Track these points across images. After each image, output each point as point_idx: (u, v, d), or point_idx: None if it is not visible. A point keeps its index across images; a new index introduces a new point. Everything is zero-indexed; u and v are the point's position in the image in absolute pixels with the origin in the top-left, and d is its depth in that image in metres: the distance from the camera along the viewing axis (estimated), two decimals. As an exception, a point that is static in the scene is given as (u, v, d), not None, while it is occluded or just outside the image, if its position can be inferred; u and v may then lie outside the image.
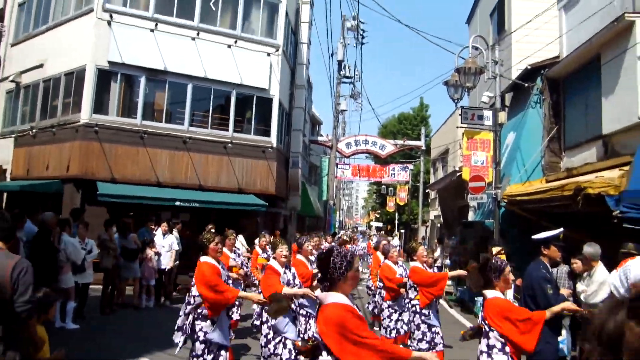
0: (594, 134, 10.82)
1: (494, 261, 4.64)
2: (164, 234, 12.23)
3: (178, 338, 5.61)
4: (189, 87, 16.51)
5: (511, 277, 4.58)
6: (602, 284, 6.71)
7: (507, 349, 4.35)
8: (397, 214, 44.08)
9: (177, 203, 15.05)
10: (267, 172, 17.51)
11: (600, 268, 6.87)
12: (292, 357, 5.88)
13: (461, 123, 13.72)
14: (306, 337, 7.77)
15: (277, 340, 5.89)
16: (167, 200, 14.99)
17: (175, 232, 12.85)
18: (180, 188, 15.90)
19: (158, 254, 11.85)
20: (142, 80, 15.96)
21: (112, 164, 15.20)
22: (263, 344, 5.96)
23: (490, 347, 4.43)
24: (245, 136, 17.40)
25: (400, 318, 7.95)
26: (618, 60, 9.85)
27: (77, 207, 13.23)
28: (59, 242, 8.75)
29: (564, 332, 7.28)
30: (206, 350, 5.34)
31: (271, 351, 5.84)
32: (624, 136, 9.65)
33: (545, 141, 12.65)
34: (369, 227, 63.25)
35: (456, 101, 13.24)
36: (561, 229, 5.65)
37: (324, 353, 3.27)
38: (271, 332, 5.90)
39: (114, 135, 15.35)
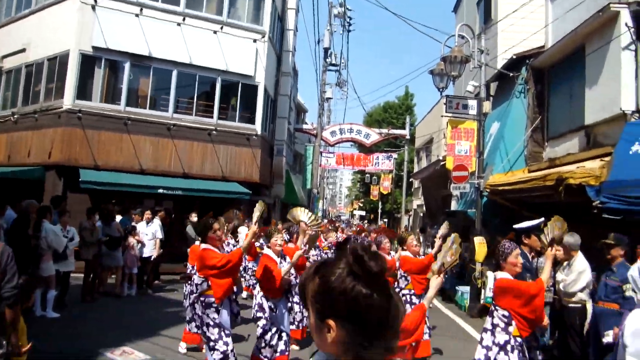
0: (577, 124, 10.90)
1: (502, 245, 4.90)
2: (147, 222, 12.11)
3: (193, 329, 5.91)
4: (174, 74, 16.36)
5: (519, 260, 4.77)
6: (580, 273, 6.78)
7: (511, 328, 4.62)
8: (380, 203, 44.22)
9: (161, 191, 14.97)
10: (251, 159, 17.45)
11: (579, 258, 6.95)
12: (287, 348, 5.96)
13: (446, 112, 13.76)
14: (301, 327, 7.74)
15: (273, 331, 5.89)
16: (150, 187, 14.90)
17: (157, 220, 12.74)
18: (163, 175, 15.79)
19: (141, 242, 11.75)
20: (127, 66, 15.78)
21: (95, 151, 15.04)
22: (259, 335, 5.94)
23: (494, 326, 4.73)
24: (230, 123, 17.31)
25: None
26: (602, 51, 9.91)
27: (58, 194, 13.06)
28: (38, 229, 8.61)
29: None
30: (222, 333, 5.43)
31: (267, 342, 5.84)
32: (606, 127, 9.74)
33: (528, 131, 12.72)
34: (352, 216, 63.47)
35: (441, 90, 13.23)
36: (542, 219, 5.69)
37: None
38: (268, 323, 5.89)
39: (98, 122, 15.18)
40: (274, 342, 5.89)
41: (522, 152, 12.89)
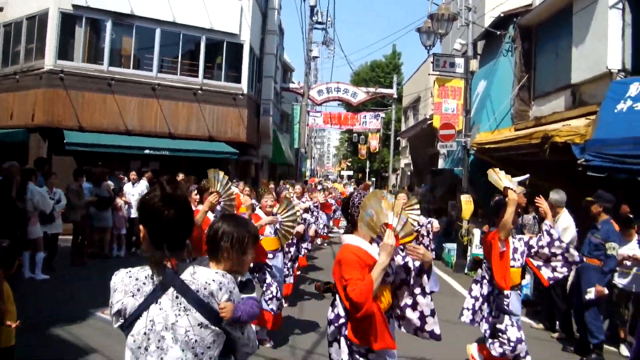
0: (563, 83, 10.91)
1: (498, 200, 5.02)
2: (133, 183, 12.07)
3: None
4: (157, 32, 16.06)
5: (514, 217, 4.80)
6: (565, 229, 6.89)
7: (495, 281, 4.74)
8: (368, 162, 44.34)
9: (147, 151, 14.89)
10: (238, 119, 17.34)
11: (564, 214, 7.05)
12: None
13: (433, 70, 13.72)
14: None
15: (275, 283, 6.03)
16: (136, 148, 14.81)
17: (144, 181, 12.72)
18: (149, 136, 15.68)
19: (128, 203, 11.74)
20: (108, 24, 15.45)
21: (79, 112, 14.85)
22: (265, 289, 5.99)
23: (482, 278, 4.93)
24: (216, 83, 17.13)
25: None
26: (589, 9, 9.84)
27: (43, 157, 12.92)
28: (23, 191, 8.55)
29: (527, 276, 7.53)
30: None
31: (274, 294, 5.95)
32: (591, 86, 9.76)
33: (515, 90, 12.72)
34: (340, 176, 63.63)
35: (429, 48, 13.15)
36: (527, 175, 5.75)
37: (337, 296, 3.29)
38: (267, 277, 5.97)
39: (80, 82, 14.94)
40: (279, 295, 6.06)
41: (508, 111, 12.92)
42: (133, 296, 2.05)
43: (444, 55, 14.39)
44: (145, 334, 2.02)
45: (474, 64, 13.23)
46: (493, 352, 4.81)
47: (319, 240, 14.32)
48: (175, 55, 16.74)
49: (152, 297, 2.05)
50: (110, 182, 11.42)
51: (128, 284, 2.07)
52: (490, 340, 4.87)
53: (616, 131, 7.69)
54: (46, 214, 8.91)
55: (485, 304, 4.90)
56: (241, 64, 17.74)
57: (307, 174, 27.96)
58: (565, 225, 6.95)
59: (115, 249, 11.56)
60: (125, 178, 12.34)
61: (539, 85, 12.48)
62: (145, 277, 2.07)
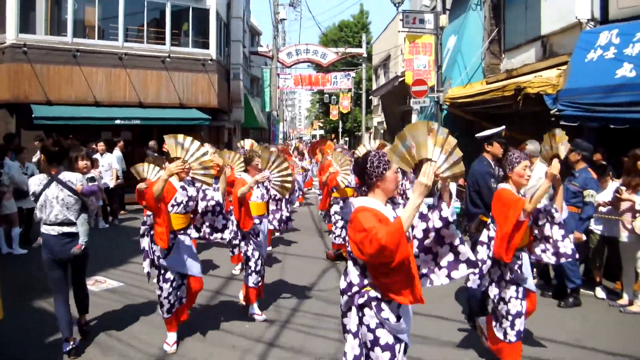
0: (533, 35, 10.95)
1: (510, 154, 4.59)
2: (101, 154, 11.88)
3: (145, 263, 5.32)
4: (121, 1, 15.62)
5: (527, 172, 4.47)
6: (540, 178, 7.03)
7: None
8: (340, 122, 44.29)
9: (117, 122, 14.67)
10: (208, 85, 17.13)
11: (539, 164, 7.18)
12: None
13: (402, 27, 13.62)
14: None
15: (256, 256, 5.79)
16: (106, 119, 14.60)
17: (117, 151, 12.59)
18: (119, 106, 15.45)
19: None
20: (70, -5, 14.94)
21: (45, 86, 14.49)
22: (245, 262, 5.86)
23: (490, 239, 4.45)
24: (184, 49, 16.85)
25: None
26: (557, -42, 9.82)
27: (11, 132, 12.61)
28: (0, 166, 8.43)
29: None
30: (160, 278, 4.89)
31: (252, 269, 5.74)
32: (561, 36, 9.82)
33: (485, 43, 12.74)
34: (313, 137, 63.49)
35: (397, 5, 13.07)
36: (503, 127, 5.80)
37: (350, 264, 3.04)
38: (250, 249, 5.76)
39: (45, 56, 14.55)
40: (259, 269, 5.79)
41: (479, 65, 12.96)
42: (38, 186, 4.72)
43: (413, 11, 14.33)
44: (45, 201, 4.71)
45: (443, 20, 13.17)
46: (497, 334, 4.51)
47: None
48: (141, 24, 16.36)
49: (46, 186, 4.72)
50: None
51: (35, 182, 4.76)
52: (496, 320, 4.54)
53: (587, 80, 7.82)
54: (22, 189, 8.76)
55: (496, 267, 4.47)
56: (208, 29, 17.49)
57: (281, 136, 27.82)
58: (540, 175, 7.09)
59: (93, 221, 11.43)
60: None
61: (509, 37, 12.51)
62: (43, 178, 4.78)
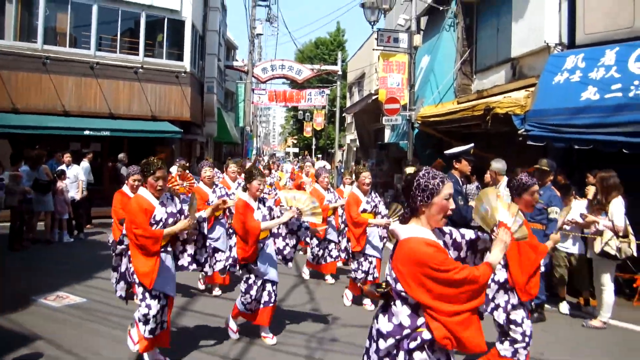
0: (504, 57, 11.18)
1: (519, 178, 4.37)
2: (67, 166, 11.64)
3: (113, 279, 4.99)
4: (95, 9, 15.51)
5: (535, 197, 4.32)
6: (508, 195, 7.12)
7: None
8: (314, 139, 44.38)
9: (87, 132, 14.45)
10: (181, 98, 17.01)
11: (505, 182, 7.28)
12: (272, 299, 5.46)
13: (377, 45, 13.77)
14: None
15: (259, 284, 5.38)
16: (75, 129, 14.36)
17: (85, 163, 12.36)
18: (89, 117, 15.22)
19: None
20: (42, 0, 14.76)
21: (12, 93, 14.24)
22: (244, 290, 5.40)
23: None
24: (157, 61, 16.72)
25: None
26: (528, -17, 10.06)
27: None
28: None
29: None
30: (147, 295, 4.57)
31: (252, 297, 5.36)
32: (531, 59, 10.05)
33: (457, 64, 12.95)
34: (287, 153, 63.51)
35: (373, 24, 13.20)
36: (472, 144, 5.88)
37: (398, 303, 2.66)
38: (252, 276, 5.39)
39: (13, 62, 14.32)
40: (258, 295, 5.42)
41: (451, 85, 13.16)
42: None
43: (388, 30, 14.47)
44: None
45: (417, 39, 13.37)
46: (502, 353, 4.16)
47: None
48: (115, 33, 16.21)
49: None
50: (46, 166, 10.98)
51: None
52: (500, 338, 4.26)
53: (554, 102, 8.01)
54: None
55: (502, 291, 4.20)
56: (183, 41, 17.38)
57: (254, 152, 27.74)
58: (507, 193, 7.18)
59: (57, 234, 11.16)
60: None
61: (480, 59, 12.75)
62: None
